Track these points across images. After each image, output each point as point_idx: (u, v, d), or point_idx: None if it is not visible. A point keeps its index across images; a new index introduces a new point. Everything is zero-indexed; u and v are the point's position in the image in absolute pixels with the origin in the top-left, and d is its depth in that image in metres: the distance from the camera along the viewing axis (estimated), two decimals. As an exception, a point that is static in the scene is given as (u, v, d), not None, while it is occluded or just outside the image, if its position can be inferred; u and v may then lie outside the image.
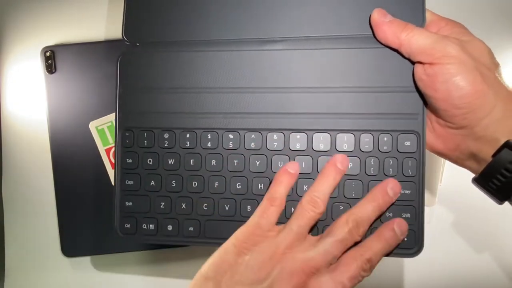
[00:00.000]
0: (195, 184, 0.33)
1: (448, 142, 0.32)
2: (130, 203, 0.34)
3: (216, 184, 0.33)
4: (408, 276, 0.49)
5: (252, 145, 0.33)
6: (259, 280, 0.29)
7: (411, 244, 0.32)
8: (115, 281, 0.52)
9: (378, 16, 0.31)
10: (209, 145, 0.33)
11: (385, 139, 0.32)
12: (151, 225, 0.34)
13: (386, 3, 0.32)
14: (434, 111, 0.32)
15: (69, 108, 0.51)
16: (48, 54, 0.51)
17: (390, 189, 0.31)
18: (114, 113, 0.35)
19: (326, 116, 0.32)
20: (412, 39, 0.30)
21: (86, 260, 0.52)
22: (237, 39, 0.34)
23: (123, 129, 0.35)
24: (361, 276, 0.29)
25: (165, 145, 0.34)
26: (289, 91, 0.33)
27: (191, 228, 0.33)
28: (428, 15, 0.32)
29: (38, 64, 0.51)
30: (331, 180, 0.31)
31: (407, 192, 0.31)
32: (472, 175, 0.32)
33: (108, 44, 0.51)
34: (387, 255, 0.31)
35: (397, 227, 0.31)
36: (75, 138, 0.51)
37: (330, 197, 0.32)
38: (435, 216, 0.49)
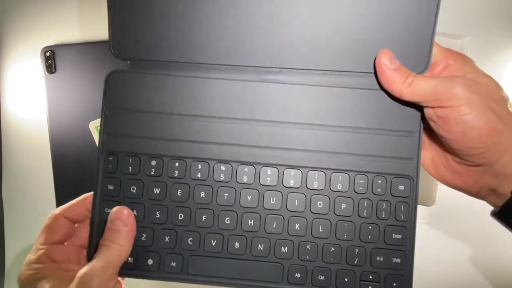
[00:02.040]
0: (180, 216, 0.32)
1: (466, 178, 0.31)
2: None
3: (203, 218, 0.32)
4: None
5: (245, 179, 0.32)
6: None
7: None
8: (115, 281, 0.52)
9: (384, 60, 0.30)
10: (199, 176, 0.32)
11: (380, 181, 0.31)
12: (129, 258, 0.31)
13: (394, 42, 0.31)
14: (450, 151, 0.31)
15: (69, 108, 0.51)
16: (48, 54, 0.51)
17: None
18: (99, 136, 0.33)
19: (322, 155, 0.32)
20: (414, 88, 0.29)
21: (86, 260, 0.52)
22: (234, 65, 0.32)
23: (106, 153, 0.32)
24: None
25: (152, 173, 0.32)
26: (286, 126, 0.32)
27: (173, 264, 0.32)
28: (435, 50, 0.31)
29: (38, 64, 0.51)
30: None
31: (398, 236, 0.31)
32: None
33: (108, 44, 0.51)
34: None
35: None
36: (75, 138, 0.51)
37: (321, 238, 0.31)
38: (435, 216, 0.49)
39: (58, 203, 0.51)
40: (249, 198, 0.32)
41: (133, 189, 0.32)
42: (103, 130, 0.32)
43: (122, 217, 0.30)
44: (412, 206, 0.31)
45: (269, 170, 0.32)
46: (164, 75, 0.32)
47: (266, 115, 0.32)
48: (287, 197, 0.32)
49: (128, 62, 0.33)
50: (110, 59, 0.54)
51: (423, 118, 0.31)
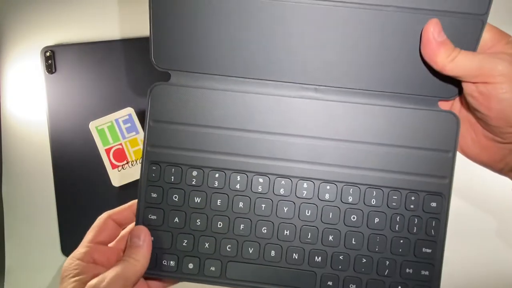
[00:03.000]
0: (220, 224, 0.33)
1: (494, 154, 0.32)
2: (152, 238, 0.33)
3: (241, 226, 0.33)
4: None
5: (282, 191, 0.33)
6: None
7: None
8: (115, 281, 0.52)
9: (433, 31, 0.29)
10: (238, 187, 0.33)
11: (413, 198, 0.32)
12: (171, 262, 0.33)
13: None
14: (484, 126, 0.31)
15: (69, 108, 0.51)
16: (48, 54, 0.51)
17: None
18: (143, 144, 0.34)
19: (357, 170, 0.33)
20: (456, 64, 0.29)
21: (86, 260, 0.52)
22: (272, 81, 0.33)
23: (150, 163, 0.33)
24: None
25: (193, 182, 0.33)
26: (322, 142, 0.33)
27: (212, 268, 0.33)
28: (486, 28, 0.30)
29: (38, 64, 0.51)
30: None
31: (428, 251, 0.32)
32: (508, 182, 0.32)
33: (108, 44, 0.51)
34: None
35: None
36: (75, 138, 0.51)
37: (354, 249, 0.32)
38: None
39: (58, 203, 0.51)
40: (285, 209, 0.33)
41: (175, 197, 0.33)
42: (147, 141, 0.33)
43: (139, 235, 0.32)
44: (442, 222, 0.32)
45: (305, 184, 0.33)
46: (205, 89, 0.33)
47: (303, 131, 0.33)
48: (322, 210, 0.33)
49: (169, 73, 0.33)
50: (110, 59, 0.54)
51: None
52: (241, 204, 0.33)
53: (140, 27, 0.52)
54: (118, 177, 0.50)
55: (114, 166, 0.50)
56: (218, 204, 0.33)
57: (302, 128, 0.33)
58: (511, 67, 0.28)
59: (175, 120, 0.33)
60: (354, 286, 0.33)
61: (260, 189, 0.33)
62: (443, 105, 0.33)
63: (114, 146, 0.50)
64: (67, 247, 0.51)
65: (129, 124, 0.50)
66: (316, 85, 0.33)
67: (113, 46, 0.51)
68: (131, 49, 0.51)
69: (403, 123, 0.32)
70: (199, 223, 0.33)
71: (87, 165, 0.51)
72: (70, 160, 0.51)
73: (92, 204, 0.51)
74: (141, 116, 0.51)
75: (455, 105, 0.33)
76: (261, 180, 0.33)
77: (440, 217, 0.32)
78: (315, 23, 0.31)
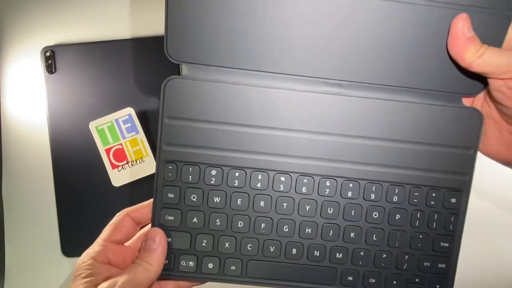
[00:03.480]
0: (240, 224, 0.33)
1: None
2: (169, 239, 0.32)
3: (262, 225, 0.33)
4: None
5: (303, 190, 0.33)
6: None
7: None
8: (115, 281, 0.52)
9: (462, 27, 0.29)
10: (259, 186, 0.32)
11: (433, 194, 0.33)
12: (190, 262, 0.33)
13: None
14: (510, 122, 0.31)
15: (69, 108, 0.51)
16: (48, 54, 0.51)
17: None
18: (157, 145, 0.32)
19: (380, 168, 0.32)
20: (484, 60, 0.28)
21: (86, 260, 0.52)
22: (293, 75, 0.32)
23: (166, 162, 0.32)
24: None
25: (212, 182, 0.32)
26: (344, 139, 0.32)
27: (233, 267, 0.33)
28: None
29: (38, 64, 0.51)
30: None
31: (446, 245, 0.33)
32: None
33: (108, 44, 0.51)
34: None
35: None
36: (75, 138, 0.51)
37: (374, 245, 0.33)
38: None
39: (58, 203, 0.51)
40: (307, 208, 0.33)
41: (194, 197, 0.33)
42: (161, 139, 0.32)
43: (154, 238, 0.31)
44: (461, 217, 0.33)
45: (327, 182, 0.33)
46: (223, 83, 0.32)
47: (328, 128, 0.32)
48: (344, 208, 0.33)
49: (179, 65, 0.32)
50: (110, 59, 0.54)
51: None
52: (262, 203, 0.33)
53: (141, 27, 0.52)
54: (118, 177, 0.50)
55: (114, 166, 0.50)
56: (238, 203, 0.33)
57: (326, 125, 0.32)
58: None
59: (191, 116, 0.32)
60: (374, 280, 0.33)
61: (281, 187, 0.33)
62: (465, 102, 0.33)
63: (114, 146, 0.50)
64: (67, 247, 0.51)
65: (129, 124, 0.50)
66: (340, 80, 0.32)
67: (113, 46, 0.51)
68: (131, 49, 0.51)
69: (426, 119, 0.32)
70: (219, 223, 0.33)
71: (87, 165, 0.51)
72: (70, 160, 0.51)
73: (92, 204, 0.51)
74: (141, 116, 0.51)
75: (475, 102, 0.33)
76: (282, 178, 0.33)
77: (458, 212, 0.33)
78: (339, 16, 0.30)
